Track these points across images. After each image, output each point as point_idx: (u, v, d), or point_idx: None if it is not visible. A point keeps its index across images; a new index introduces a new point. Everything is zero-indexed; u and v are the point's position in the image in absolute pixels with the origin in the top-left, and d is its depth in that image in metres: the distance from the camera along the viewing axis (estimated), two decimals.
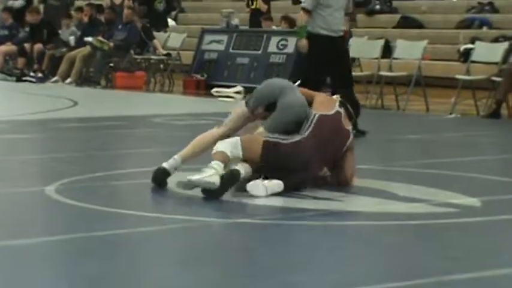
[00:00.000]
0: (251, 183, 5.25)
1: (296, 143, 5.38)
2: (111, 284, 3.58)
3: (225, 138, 5.54)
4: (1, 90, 14.18)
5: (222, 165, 5.27)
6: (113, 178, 6.11)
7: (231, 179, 5.23)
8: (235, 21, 15.17)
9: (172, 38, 15.45)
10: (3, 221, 4.80)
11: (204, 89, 14.04)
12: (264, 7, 15.49)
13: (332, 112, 5.60)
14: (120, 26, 15.19)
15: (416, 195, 5.43)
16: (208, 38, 14.73)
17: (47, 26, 16.18)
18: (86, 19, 16.10)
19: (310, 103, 5.67)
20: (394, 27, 16.73)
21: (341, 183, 5.57)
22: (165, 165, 5.61)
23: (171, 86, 14.81)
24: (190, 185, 5.29)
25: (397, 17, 17.09)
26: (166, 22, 17.08)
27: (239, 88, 13.65)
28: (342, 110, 5.65)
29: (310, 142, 5.41)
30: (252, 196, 5.32)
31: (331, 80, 9.18)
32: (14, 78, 15.46)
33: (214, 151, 5.39)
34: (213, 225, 4.73)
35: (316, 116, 5.52)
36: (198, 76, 14.27)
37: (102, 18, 15.88)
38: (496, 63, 11.33)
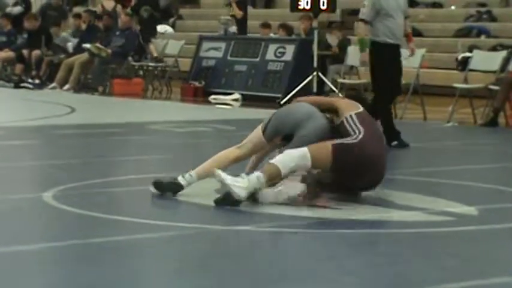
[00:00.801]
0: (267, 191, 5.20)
1: (362, 141, 5.28)
2: None
3: (242, 159, 5.53)
4: None
5: (263, 179, 5.18)
6: (110, 185, 6.11)
7: (225, 201, 5.21)
8: (233, 28, 15.18)
9: (170, 45, 15.46)
10: (0, 227, 4.79)
11: (201, 96, 14.05)
12: (238, 13, 15.36)
13: (361, 109, 5.56)
14: (118, 33, 15.20)
15: (413, 204, 5.43)
16: (206, 45, 14.74)
17: (45, 33, 16.19)
18: (84, 26, 16.11)
19: (332, 110, 5.56)
20: None
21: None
22: (181, 180, 5.52)
23: (168, 93, 14.82)
24: (217, 178, 5.25)
25: None
26: (155, 30, 16.87)
27: (237, 95, 13.66)
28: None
29: (369, 138, 5.33)
30: (249, 203, 5.33)
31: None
32: (12, 85, 15.45)
33: (269, 161, 5.30)
34: (210, 233, 4.73)
35: (353, 115, 5.43)
36: (196, 83, 14.28)
37: (100, 24, 15.89)
38: (494, 72, 11.34)
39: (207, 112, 12.34)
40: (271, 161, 5.29)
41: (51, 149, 8.18)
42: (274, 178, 5.24)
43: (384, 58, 8.58)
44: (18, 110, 12.16)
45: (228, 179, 5.19)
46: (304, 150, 5.26)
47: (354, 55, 12.79)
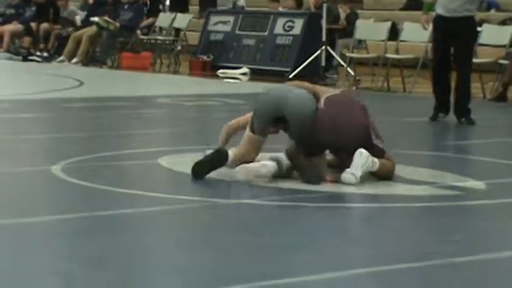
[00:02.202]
0: (342, 179, 5.14)
1: (313, 122, 5.22)
2: (114, 264, 3.60)
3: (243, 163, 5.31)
4: (7, 69, 14.19)
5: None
6: (119, 158, 6.13)
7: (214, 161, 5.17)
8: (241, 2, 15.11)
9: (178, 19, 15.42)
10: (9, 199, 4.82)
11: (210, 70, 14.02)
12: None
13: (337, 92, 5.54)
14: (126, 6, 15.16)
15: (421, 178, 5.43)
16: (214, 19, 14.69)
17: (53, 6, 16.16)
18: None
19: (314, 94, 5.41)
20: (401, 10, 16.67)
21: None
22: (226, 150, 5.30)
23: (177, 67, 14.80)
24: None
25: None
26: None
27: (245, 69, 13.63)
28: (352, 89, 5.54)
29: (325, 108, 5.28)
30: (255, 177, 5.34)
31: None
32: (20, 58, 15.46)
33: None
34: (216, 206, 4.74)
35: (324, 100, 5.35)
36: (204, 57, 14.25)
37: None
38: (503, 46, 11.28)
39: (215, 86, 12.32)
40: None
41: (60, 122, 8.19)
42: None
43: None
44: (26, 83, 12.17)
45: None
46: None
47: (363, 29, 12.76)
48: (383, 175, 5.27)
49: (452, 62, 8.52)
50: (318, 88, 5.53)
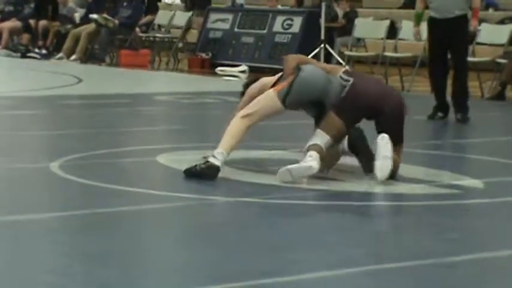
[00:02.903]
0: (377, 167, 5.11)
1: (352, 84, 5.32)
2: (113, 261, 3.61)
3: (252, 127, 5.41)
4: (6, 66, 14.18)
5: (318, 155, 5.13)
6: (117, 156, 6.13)
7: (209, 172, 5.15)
8: (240, 0, 15.11)
9: (177, 17, 15.42)
10: (8, 196, 4.82)
11: (208, 67, 14.03)
12: None
13: (347, 68, 5.63)
14: (125, 4, 15.16)
15: (419, 176, 5.44)
16: (213, 16, 14.70)
17: (52, 3, 16.15)
18: None
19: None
20: (399, 8, 16.67)
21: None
22: (214, 161, 5.22)
23: (175, 65, 14.80)
24: (287, 173, 5.12)
25: None
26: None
27: (244, 67, 13.64)
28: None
29: (360, 80, 5.40)
30: (254, 174, 5.35)
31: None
32: (19, 55, 15.46)
33: (310, 144, 5.22)
34: (215, 204, 4.75)
35: (342, 74, 5.41)
36: (203, 55, 14.26)
37: None
38: (501, 45, 11.29)
39: (214, 84, 12.33)
40: (309, 143, 5.24)
41: (58, 119, 8.19)
42: (322, 155, 5.21)
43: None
44: (25, 80, 12.17)
45: (294, 166, 5.11)
46: (317, 131, 5.28)
47: (361, 27, 12.76)
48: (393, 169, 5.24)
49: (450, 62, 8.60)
50: (326, 66, 5.73)
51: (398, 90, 5.29)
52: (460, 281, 3.46)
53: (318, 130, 5.30)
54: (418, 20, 8.82)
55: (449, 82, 8.71)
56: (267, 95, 5.50)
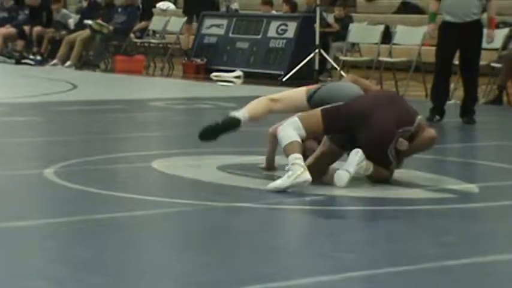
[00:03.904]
0: (336, 175, 5.12)
1: (353, 99, 5.34)
2: (106, 267, 3.59)
3: (274, 113, 5.48)
4: (0, 72, 14.16)
5: (301, 156, 5.11)
6: (112, 162, 6.12)
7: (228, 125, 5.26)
8: (235, 5, 15.12)
9: (172, 22, 15.42)
10: (2, 202, 4.81)
11: (203, 73, 14.03)
12: None
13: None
14: (119, 9, 15.16)
15: (414, 181, 5.44)
16: (208, 22, 14.70)
17: (46, 9, 16.14)
18: (85, 2, 16.06)
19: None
20: (394, 13, 16.70)
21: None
22: (238, 115, 5.37)
23: (170, 70, 14.80)
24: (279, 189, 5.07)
25: (398, 2, 17.05)
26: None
27: (238, 73, 13.63)
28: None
29: (365, 97, 5.39)
30: (250, 180, 5.34)
31: None
32: (13, 61, 15.43)
33: (285, 143, 5.15)
34: (211, 210, 4.74)
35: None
36: (198, 60, 14.26)
37: (101, 1, 15.85)
38: (496, 50, 11.30)
39: (209, 89, 12.32)
40: (284, 143, 5.20)
41: (53, 126, 8.18)
42: (303, 150, 5.21)
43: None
44: (19, 86, 12.15)
45: (286, 183, 5.03)
46: (294, 119, 5.28)
47: (356, 32, 12.77)
48: (378, 179, 5.27)
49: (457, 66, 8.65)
50: (372, 87, 5.76)
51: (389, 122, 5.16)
52: (455, 285, 3.45)
53: (296, 119, 5.27)
54: (433, 18, 8.82)
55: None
56: (298, 90, 5.63)
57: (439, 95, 8.77)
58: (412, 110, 5.47)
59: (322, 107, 5.33)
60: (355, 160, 5.15)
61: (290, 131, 5.20)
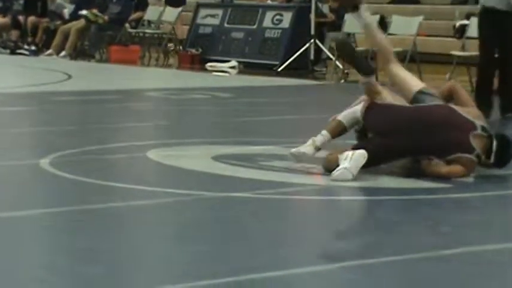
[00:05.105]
0: (335, 172, 5.08)
1: (396, 107, 5.40)
2: (103, 257, 3.60)
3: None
4: None
5: (327, 135, 5.37)
6: (108, 152, 6.12)
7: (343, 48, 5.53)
8: None
9: (167, 12, 15.40)
10: None
11: (198, 63, 14.02)
12: None
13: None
14: (114, 0, 15.13)
15: (408, 170, 5.44)
16: (203, 12, 14.68)
17: None
18: None
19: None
20: (389, 3, 16.69)
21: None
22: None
23: (165, 60, 14.78)
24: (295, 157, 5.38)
25: None
26: None
27: (234, 63, 13.63)
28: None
29: (407, 111, 5.40)
30: (245, 170, 5.35)
31: None
32: (8, 51, 15.40)
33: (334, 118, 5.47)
34: (207, 199, 4.75)
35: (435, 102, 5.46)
36: (193, 50, 14.25)
37: None
38: None
39: (204, 79, 12.31)
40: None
41: (48, 116, 8.17)
42: (336, 131, 5.44)
43: None
44: (14, 76, 12.13)
45: (293, 150, 5.38)
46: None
47: (351, 22, 12.76)
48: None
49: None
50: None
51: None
52: (452, 275, 3.47)
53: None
54: None
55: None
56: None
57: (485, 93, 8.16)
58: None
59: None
60: (353, 158, 5.11)
61: (347, 112, 5.43)
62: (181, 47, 14.59)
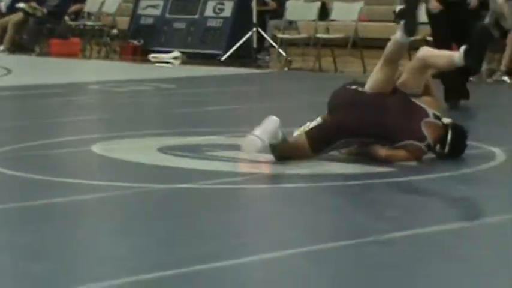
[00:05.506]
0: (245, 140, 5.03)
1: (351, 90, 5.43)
2: (47, 253, 3.55)
3: None
4: None
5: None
6: (51, 147, 6.04)
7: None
8: None
9: (107, 3, 15.24)
10: None
11: (141, 55, 13.92)
12: None
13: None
14: None
15: (352, 156, 5.47)
16: (144, 3, 14.57)
17: None
18: None
19: None
20: None
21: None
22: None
23: (107, 53, 14.64)
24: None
25: None
26: None
27: (176, 53, 13.56)
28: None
29: (359, 94, 5.43)
30: (192, 161, 5.33)
31: None
32: None
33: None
34: (152, 192, 4.72)
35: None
36: (135, 42, 14.14)
37: None
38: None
39: (147, 71, 12.23)
40: None
41: None
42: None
43: None
44: None
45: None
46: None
47: (293, 10, 12.79)
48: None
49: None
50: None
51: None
52: (398, 258, 3.50)
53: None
54: None
55: None
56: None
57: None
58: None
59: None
60: (265, 124, 5.06)
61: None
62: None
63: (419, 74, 5.48)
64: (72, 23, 14.95)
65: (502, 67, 10.56)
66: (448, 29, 7.86)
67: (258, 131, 5.06)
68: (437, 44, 7.79)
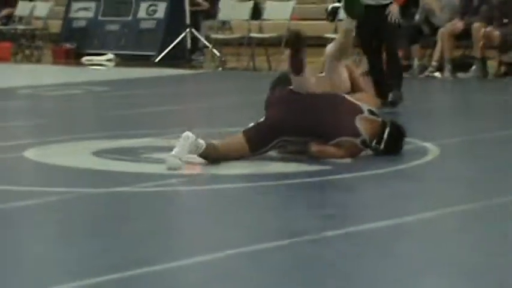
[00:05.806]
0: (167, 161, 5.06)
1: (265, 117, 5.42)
2: None
3: None
4: None
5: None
6: None
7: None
8: None
9: (38, 7, 15.03)
10: None
11: (74, 58, 13.77)
12: None
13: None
14: None
15: (288, 155, 5.50)
16: (75, 5, 14.43)
17: None
18: None
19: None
20: None
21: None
22: None
23: (39, 57, 14.44)
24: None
25: None
26: None
27: (110, 56, 13.46)
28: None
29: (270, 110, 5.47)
30: (126, 164, 5.29)
31: None
32: None
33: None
34: (88, 196, 4.66)
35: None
36: (68, 45, 13.98)
37: None
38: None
39: (80, 74, 12.10)
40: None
41: None
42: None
43: None
44: None
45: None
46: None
47: (226, 10, 12.80)
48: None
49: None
50: None
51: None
52: (334, 256, 3.53)
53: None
54: None
55: None
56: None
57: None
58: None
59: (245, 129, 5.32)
60: (181, 144, 5.08)
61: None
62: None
63: (336, 67, 5.89)
64: (3, 27, 14.70)
65: (433, 63, 10.73)
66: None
67: (174, 151, 5.07)
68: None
